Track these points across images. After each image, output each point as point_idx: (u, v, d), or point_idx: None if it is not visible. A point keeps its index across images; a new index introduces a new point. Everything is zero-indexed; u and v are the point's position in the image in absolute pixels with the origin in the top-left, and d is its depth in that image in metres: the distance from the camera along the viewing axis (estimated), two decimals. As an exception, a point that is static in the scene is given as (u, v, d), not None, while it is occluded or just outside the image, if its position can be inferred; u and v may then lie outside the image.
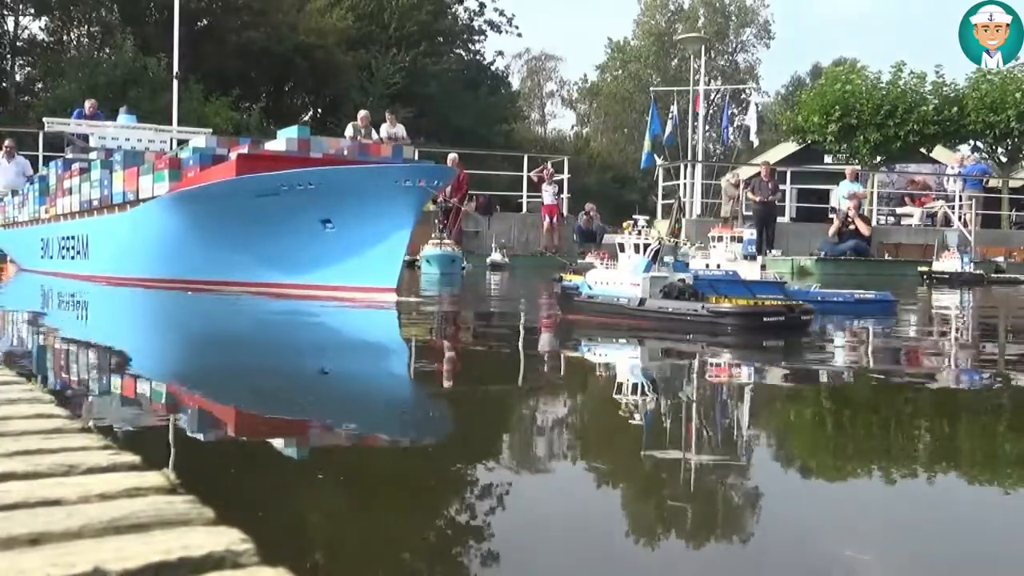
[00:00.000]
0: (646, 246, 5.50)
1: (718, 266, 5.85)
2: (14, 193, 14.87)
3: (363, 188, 7.58)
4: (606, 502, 2.08)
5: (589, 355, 4.89)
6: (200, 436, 2.58)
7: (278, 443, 2.50)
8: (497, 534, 1.77)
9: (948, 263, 13.65)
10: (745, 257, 5.91)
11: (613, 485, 2.25)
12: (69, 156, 12.37)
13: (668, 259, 5.67)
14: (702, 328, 5.06)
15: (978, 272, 13.72)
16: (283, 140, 8.58)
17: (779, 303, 5.39)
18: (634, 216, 5.68)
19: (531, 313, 7.95)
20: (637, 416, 3.04)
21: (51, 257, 12.32)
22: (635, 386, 3.64)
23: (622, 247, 5.64)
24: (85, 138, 12.22)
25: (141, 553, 1.06)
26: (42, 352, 4.51)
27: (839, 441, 2.86)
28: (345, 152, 8.72)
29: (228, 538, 1.12)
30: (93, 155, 11.05)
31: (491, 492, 2.07)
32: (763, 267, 5.96)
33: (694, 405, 3.31)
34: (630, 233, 5.57)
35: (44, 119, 13.59)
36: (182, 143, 10.96)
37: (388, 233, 7.64)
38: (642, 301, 5.33)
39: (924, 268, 13.88)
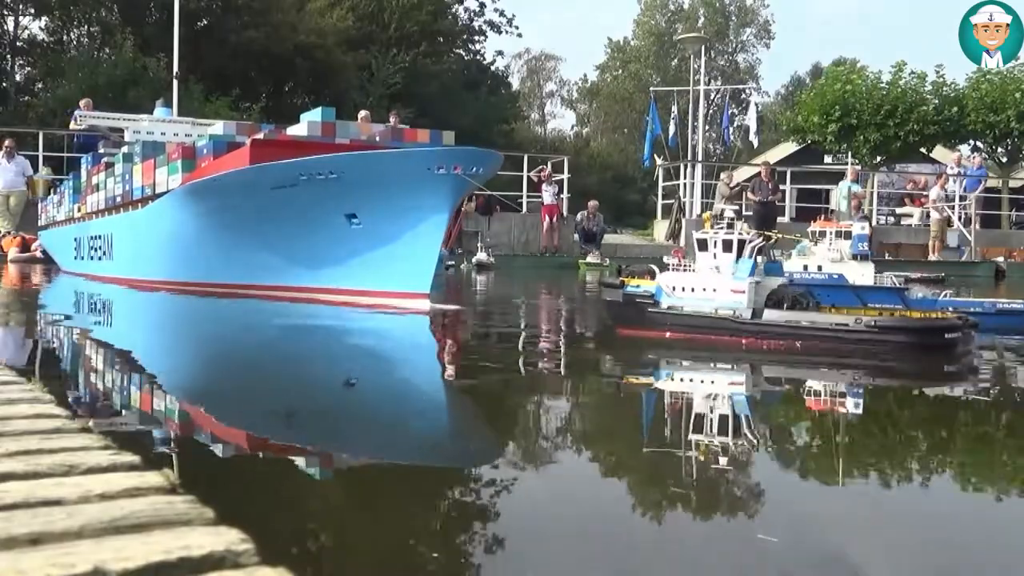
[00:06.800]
0: (740, 243, 4.52)
1: (819, 268, 4.77)
2: (54, 191, 14.48)
3: (391, 176, 6.63)
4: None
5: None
6: (200, 437, 2.58)
7: (278, 444, 2.50)
8: (496, 540, 1.77)
9: None
10: (855, 257, 4.81)
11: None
12: (101, 151, 11.95)
13: (759, 259, 4.68)
14: (852, 347, 4.15)
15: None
16: (305, 124, 7.74)
17: (950, 315, 4.42)
18: (720, 207, 4.80)
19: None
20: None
21: (82, 258, 11.77)
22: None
23: (703, 244, 4.66)
24: (121, 133, 11.89)
25: (141, 553, 1.05)
26: (41, 352, 4.51)
27: None
28: (378, 138, 7.80)
29: (228, 538, 1.12)
30: (125, 149, 10.57)
31: (498, 495, 2.07)
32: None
33: None
34: (715, 227, 4.63)
35: (76, 113, 13.30)
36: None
37: (420, 230, 6.73)
38: (755, 313, 4.45)
39: None
